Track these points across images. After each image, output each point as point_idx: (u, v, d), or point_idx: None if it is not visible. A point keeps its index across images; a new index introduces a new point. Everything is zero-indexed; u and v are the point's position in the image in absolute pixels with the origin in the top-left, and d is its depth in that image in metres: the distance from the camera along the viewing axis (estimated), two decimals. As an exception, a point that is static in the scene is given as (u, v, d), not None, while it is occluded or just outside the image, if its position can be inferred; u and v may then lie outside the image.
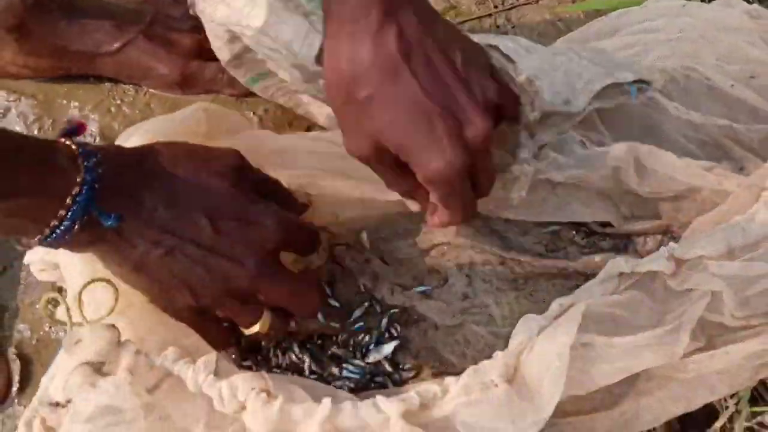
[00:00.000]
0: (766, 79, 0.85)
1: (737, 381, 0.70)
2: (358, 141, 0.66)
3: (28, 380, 0.87)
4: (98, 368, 0.61)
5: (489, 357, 0.65)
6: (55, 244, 0.62)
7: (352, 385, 0.78)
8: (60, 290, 0.84)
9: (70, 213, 0.60)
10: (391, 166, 0.67)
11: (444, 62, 0.64)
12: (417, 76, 0.63)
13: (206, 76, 0.98)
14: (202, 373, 0.61)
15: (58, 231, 0.60)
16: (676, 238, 0.78)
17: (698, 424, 0.76)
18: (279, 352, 0.81)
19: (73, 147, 0.62)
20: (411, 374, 0.78)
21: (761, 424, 0.76)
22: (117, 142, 0.76)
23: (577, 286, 0.70)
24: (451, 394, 0.62)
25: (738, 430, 0.75)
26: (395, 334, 0.80)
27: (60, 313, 0.65)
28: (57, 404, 0.61)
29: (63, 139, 0.63)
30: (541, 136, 0.73)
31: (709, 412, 0.76)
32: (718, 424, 0.75)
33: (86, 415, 0.60)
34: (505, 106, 0.69)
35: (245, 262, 0.66)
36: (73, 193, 0.60)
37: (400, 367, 0.79)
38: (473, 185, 0.69)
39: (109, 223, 0.62)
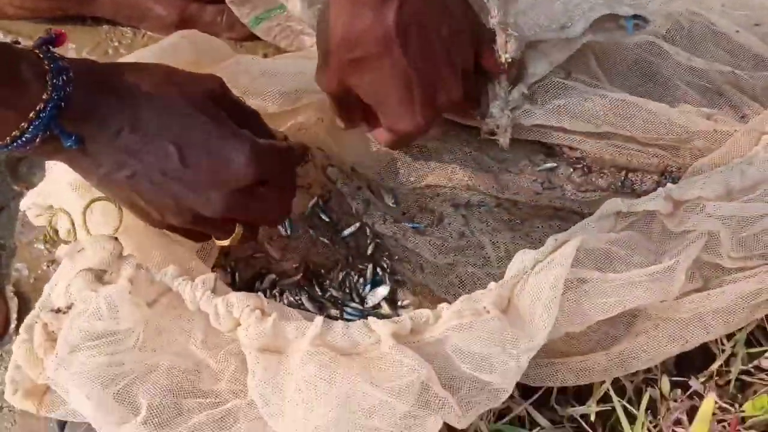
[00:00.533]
0: (773, 26, 0.85)
1: (733, 321, 0.70)
2: (331, 82, 0.70)
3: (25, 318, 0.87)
4: (100, 276, 0.61)
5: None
6: (16, 152, 0.61)
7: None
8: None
9: (31, 127, 0.59)
10: (353, 106, 0.72)
11: (434, 34, 0.67)
12: (407, 51, 0.66)
13: (205, 19, 0.97)
14: (200, 289, 0.62)
15: (18, 141, 0.59)
16: (674, 179, 0.78)
17: (695, 367, 0.76)
18: (276, 293, 0.81)
19: (45, 62, 0.60)
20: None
21: (758, 368, 0.76)
22: None
23: (574, 226, 0.70)
24: (443, 319, 0.62)
25: (734, 372, 0.75)
26: (385, 266, 0.81)
27: (63, 233, 0.65)
28: (58, 310, 0.61)
29: (37, 50, 0.61)
30: (534, 68, 0.73)
31: (706, 354, 0.76)
32: (714, 366, 0.75)
33: (86, 318, 0.60)
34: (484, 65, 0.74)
35: (212, 197, 0.64)
36: (37, 108, 0.58)
37: (399, 304, 0.79)
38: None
39: (69, 144, 0.61)
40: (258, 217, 0.70)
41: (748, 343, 0.76)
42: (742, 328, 0.75)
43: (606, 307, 0.64)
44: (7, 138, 0.59)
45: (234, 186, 0.65)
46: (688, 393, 0.74)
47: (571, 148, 0.81)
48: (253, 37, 0.94)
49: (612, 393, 0.74)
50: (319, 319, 0.61)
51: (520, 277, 0.64)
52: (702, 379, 0.74)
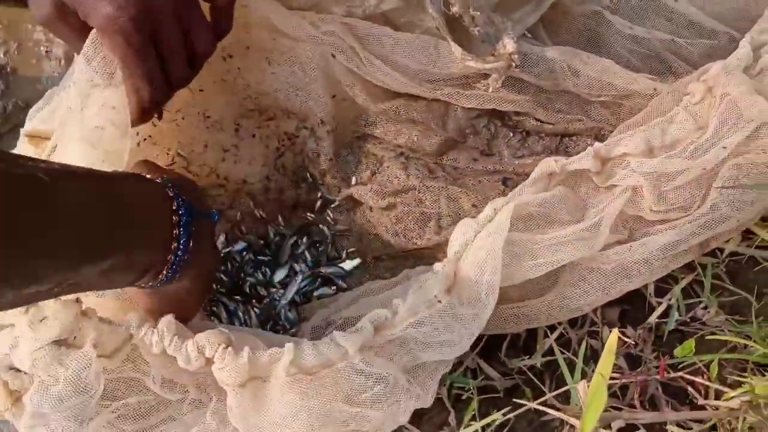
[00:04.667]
0: (709, -5, 0.88)
1: (653, 271, 0.74)
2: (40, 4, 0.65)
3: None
4: (64, 342, 0.62)
5: (418, 236, 0.71)
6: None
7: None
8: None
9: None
10: (78, 29, 0.65)
11: None
12: None
13: None
14: (166, 336, 0.64)
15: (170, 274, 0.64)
16: (606, 143, 0.81)
17: (636, 319, 0.81)
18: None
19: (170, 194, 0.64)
20: (355, 262, 0.84)
21: (693, 318, 0.80)
22: None
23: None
24: (400, 315, 0.66)
25: (670, 322, 0.79)
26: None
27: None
28: (19, 370, 0.62)
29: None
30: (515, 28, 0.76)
31: (646, 308, 0.81)
32: (652, 318, 0.79)
33: (54, 390, 0.61)
34: None
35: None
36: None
37: (344, 252, 0.86)
38: (162, 64, 0.68)
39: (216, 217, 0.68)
40: None
41: (686, 296, 0.81)
42: (680, 280, 0.80)
43: (535, 268, 0.68)
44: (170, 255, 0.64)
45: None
46: (626, 344, 0.78)
47: (516, 113, 0.85)
48: None
49: (555, 346, 0.78)
50: (290, 345, 0.64)
51: (462, 250, 0.67)
52: (639, 331, 0.79)
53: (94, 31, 0.64)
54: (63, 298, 0.62)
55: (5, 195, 0.47)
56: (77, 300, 0.64)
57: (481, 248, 0.66)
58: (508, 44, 0.75)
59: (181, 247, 0.63)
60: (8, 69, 1.01)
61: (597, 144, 0.69)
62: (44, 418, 0.62)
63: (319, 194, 0.89)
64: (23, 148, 0.75)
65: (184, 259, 0.64)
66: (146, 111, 0.68)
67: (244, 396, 0.64)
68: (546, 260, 0.67)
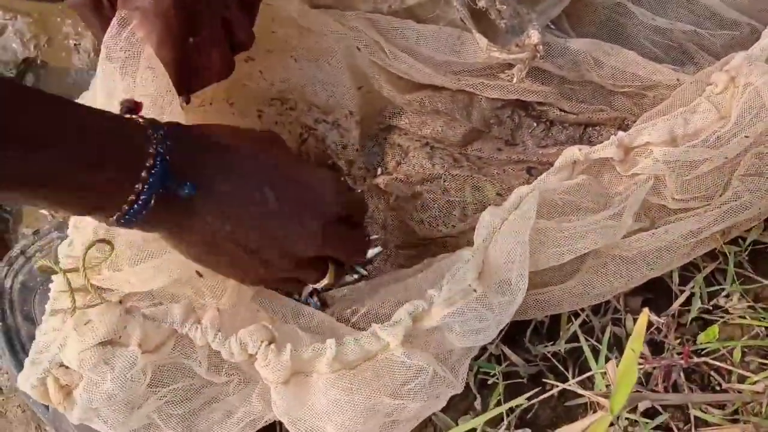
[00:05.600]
0: (732, -14, 0.89)
1: (674, 259, 0.76)
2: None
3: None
4: (109, 342, 0.63)
5: (444, 223, 0.72)
6: (131, 223, 0.60)
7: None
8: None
9: (146, 186, 0.58)
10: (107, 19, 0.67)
11: None
12: None
13: None
14: (210, 332, 0.65)
15: (136, 206, 0.59)
16: (630, 133, 0.83)
17: (659, 307, 0.82)
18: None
19: (141, 121, 0.61)
20: (377, 250, 0.86)
21: (716, 306, 0.81)
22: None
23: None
24: (437, 305, 0.66)
25: (693, 310, 0.80)
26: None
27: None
28: (68, 366, 0.64)
29: (128, 115, 0.62)
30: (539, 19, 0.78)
31: (669, 296, 0.82)
32: (675, 305, 0.80)
33: (102, 388, 0.63)
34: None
35: (312, 228, 0.67)
36: (148, 165, 0.58)
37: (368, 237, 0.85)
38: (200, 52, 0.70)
39: (186, 191, 0.61)
40: (348, 249, 0.73)
41: (708, 284, 0.82)
42: (702, 269, 0.81)
43: (559, 255, 0.69)
44: (124, 205, 0.59)
45: (329, 215, 0.68)
46: (650, 331, 0.80)
47: (540, 103, 0.86)
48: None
49: (579, 333, 0.80)
50: (331, 342, 0.64)
51: (490, 238, 0.68)
52: (663, 319, 0.80)
53: (115, 21, 0.65)
54: (107, 298, 0.64)
55: None
56: (120, 301, 0.66)
57: (509, 235, 0.67)
58: (534, 35, 0.76)
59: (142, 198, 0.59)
60: (38, 62, 1.03)
61: (621, 133, 0.69)
62: (95, 411, 0.64)
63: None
64: None
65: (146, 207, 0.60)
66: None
67: (287, 392, 0.65)
68: (570, 248, 0.68)
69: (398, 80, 0.87)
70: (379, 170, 0.90)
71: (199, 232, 0.64)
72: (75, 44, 1.04)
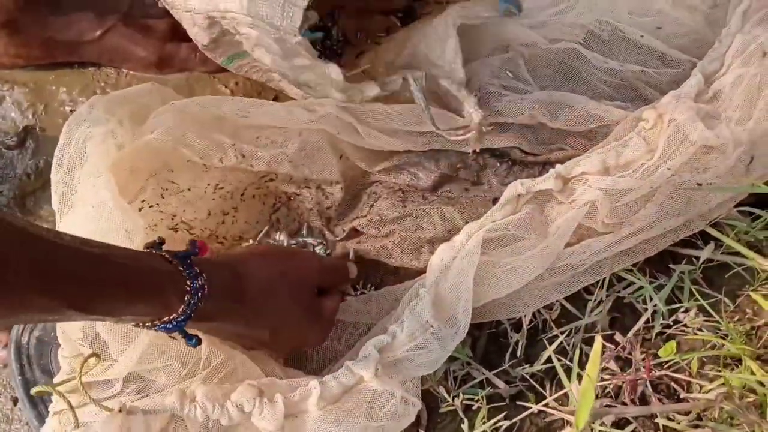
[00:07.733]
0: (671, 28, 0.97)
1: (599, 271, 0.86)
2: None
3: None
4: None
5: (415, 258, 0.86)
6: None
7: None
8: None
9: (160, 328, 0.70)
10: None
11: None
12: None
13: (181, 56, 1.08)
14: (208, 406, 0.73)
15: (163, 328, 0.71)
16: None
17: (625, 325, 0.89)
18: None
19: (187, 281, 0.70)
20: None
21: (676, 321, 0.88)
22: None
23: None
24: (400, 340, 0.77)
25: (656, 326, 0.87)
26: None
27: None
28: None
29: (180, 264, 0.71)
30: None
31: (635, 314, 0.89)
32: (640, 323, 0.87)
33: None
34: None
35: (321, 327, 0.87)
36: (171, 317, 0.70)
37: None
38: None
39: (191, 343, 0.74)
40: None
41: (669, 302, 0.89)
42: (663, 288, 0.88)
43: (499, 289, 0.79)
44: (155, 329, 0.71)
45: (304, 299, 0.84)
46: (618, 347, 0.87)
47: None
48: (225, 70, 1.05)
49: (553, 355, 0.86)
50: (314, 383, 0.75)
51: (441, 275, 0.78)
52: (629, 336, 0.87)
53: None
54: (108, 407, 0.72)
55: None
56: (119, 410, 0.72)
57: (457, 273, 0.76)
58: (474, 116, 0.84)
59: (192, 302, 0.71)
60: (37, 128, 1.10)
61: (558, 166, 0.78)
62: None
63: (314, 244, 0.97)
64: None
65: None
66: None
67: None
68: (511, 282, 0.78)
69: (371, 152, 0.94)
70: (354, 214, 0.96)
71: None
72: (70, 110, 1.10)
